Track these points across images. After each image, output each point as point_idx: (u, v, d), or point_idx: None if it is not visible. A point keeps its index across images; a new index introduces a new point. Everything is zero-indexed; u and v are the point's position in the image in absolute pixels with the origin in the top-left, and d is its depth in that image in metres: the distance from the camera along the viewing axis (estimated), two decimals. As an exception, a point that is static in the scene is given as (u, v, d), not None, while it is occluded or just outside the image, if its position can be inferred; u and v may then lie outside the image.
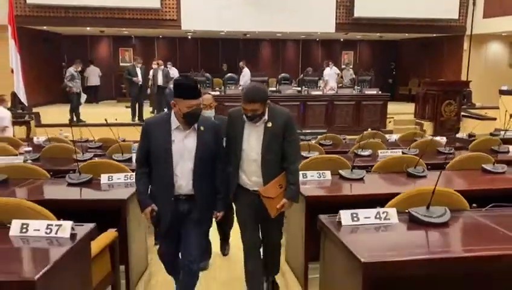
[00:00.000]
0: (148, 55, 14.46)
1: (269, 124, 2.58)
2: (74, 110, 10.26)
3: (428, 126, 10.63)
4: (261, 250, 2.79)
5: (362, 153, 4.31)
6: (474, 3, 12.77)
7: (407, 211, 2.00)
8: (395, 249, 1.80)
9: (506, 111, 11.22)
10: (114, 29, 12.50)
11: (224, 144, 2.74)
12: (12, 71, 10.07)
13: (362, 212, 1.93)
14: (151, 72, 10.99)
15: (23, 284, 1.45)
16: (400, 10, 12.04)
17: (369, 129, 6.75)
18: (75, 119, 10.22)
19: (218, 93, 10.05)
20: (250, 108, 2.52)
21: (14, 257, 1.76)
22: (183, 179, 2.49)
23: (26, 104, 10.27)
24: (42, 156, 4.23)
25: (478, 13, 12.80)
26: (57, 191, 2.83)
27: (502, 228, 1.91)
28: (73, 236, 1.81)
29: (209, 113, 3.28)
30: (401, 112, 11.78)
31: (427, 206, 1.96)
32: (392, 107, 11.52)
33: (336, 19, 12.26)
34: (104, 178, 3.00)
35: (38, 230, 1.81)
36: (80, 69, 10.45)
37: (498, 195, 2.49)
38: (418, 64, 14.83)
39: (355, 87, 11.00)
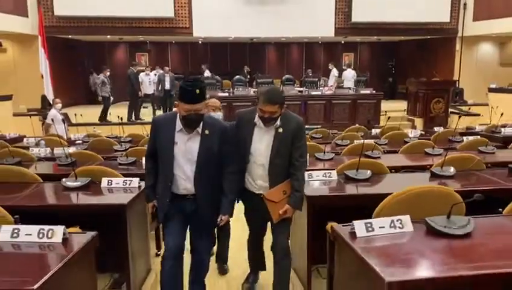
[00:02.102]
0: (162, 59, 15.66)
1: (280, 130, 2.57)
2: (105, 111, 11.45)
3: (419, 122, 11.63)
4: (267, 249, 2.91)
5: (342, 143, 5.40)
6: (464, 8, 13.68)
7: (343, 173, 3.12)
8: (331, 191, 2.96)
9: (492, 108, 12.19)
10: (131, 36, 13.70)
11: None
12: (42, 76, 11.32)
13: (314, 173, 3.06)
14: (157, 76, 12.09)
15: (117, 206, 2.62)
16: (395, 14, 12.92)
17: (357, 124, 7.82)
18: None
19: (227, 94, 11.01)
20: (268, 110, 2.49)
21: (109, 195, 2.92)
22: (187, 181, 2.51)
23: (55, 106, 11.50)
24: (89, 147, 5.39)
25: (468, 16, 13.68)
26: (113, 168, 3.96)
27: (406, 182, 3.02)
28: (139, 187, 2.98)
29: (217, 115, 3.50)
30: (396, 109, 12.79)
31: (356, 169, 3.08)
32: (390, 105, 12.57)
33: (335, 24, 13.21)
34: (144, 160, 4.13)
35: (118, 183, 2.99)
36: (108, 74, 11.59)
37: (422, 168, 3.60)
38: (415, 64, 15.66)
39: (352, 87, 12.04)
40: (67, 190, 2.85)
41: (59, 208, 2.57)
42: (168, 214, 2.54)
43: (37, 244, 1.80)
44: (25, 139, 6.47)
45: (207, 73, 12.91)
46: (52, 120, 7.49)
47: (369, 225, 1.81)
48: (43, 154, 4.98)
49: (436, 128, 7.90)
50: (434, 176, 3.06)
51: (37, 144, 5.31)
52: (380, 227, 1.81)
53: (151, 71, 12.41)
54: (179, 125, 2.50)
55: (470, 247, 1.73)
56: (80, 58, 14.86)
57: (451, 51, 14.27)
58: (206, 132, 2.50)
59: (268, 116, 2.52)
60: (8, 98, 10.86)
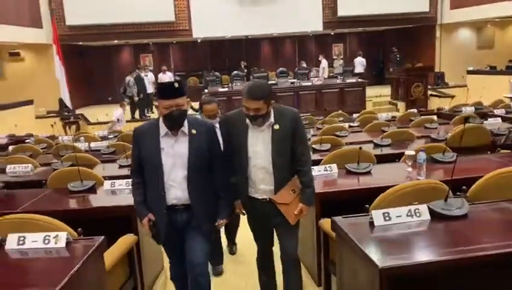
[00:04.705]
0: (165, 59, 16.90)
1: (276, 127, 2.39)
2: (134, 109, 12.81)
3: (401, 106, 12.87)
4: (275, 262, 2.73)
5: (321, 127, 6.66)
6: (442, -3, 14.90)
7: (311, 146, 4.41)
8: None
9: (468, 89, 13.38)
10: (136, 39, 14.92)
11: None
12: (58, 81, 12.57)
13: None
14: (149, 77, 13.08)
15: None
16: (378, 7, 14.08)
17: (340, 110, 9.08)
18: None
19: (226, 89, 12.16)
20: (252, 106, 2.31)
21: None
22: (178, 188, 2.34)
23: (71, 108, 12.73)
24: (120, 140, 6.66)
25: (446, 5, 14.87)
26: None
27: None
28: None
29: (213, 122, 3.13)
30: (383, 94, 14.01)
31: (320, 143, 4.36)
32: (377, 91, 13.81)
33: (323, 19, 14.40)
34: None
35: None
36: (135, 76, 12.77)
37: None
38: (400, 51, 16.89)
39: (339, 76, 13.27)
40: (122, 167, 4.13)
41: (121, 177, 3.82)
42: (165, 234, 2.41)
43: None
44: (60, 138, 7.75)
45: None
46: (118, 119, 9.43)
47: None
48: (83, 148, 6.25)
49: (409, 110, 9.18)
50: (376, 145, 4.32)
51: (77, 140, 6.58)
52: (318, 171, 3.09)
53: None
54: (163, 129, 2.36)
55: (369, 178, 3.02)
56: (89, 63, 16.05)
57: (432, 38, 15.43)
58: (193, 131, 2.37)
59: (254, 114, 2.33)
60: (29, 102, 12.13)
